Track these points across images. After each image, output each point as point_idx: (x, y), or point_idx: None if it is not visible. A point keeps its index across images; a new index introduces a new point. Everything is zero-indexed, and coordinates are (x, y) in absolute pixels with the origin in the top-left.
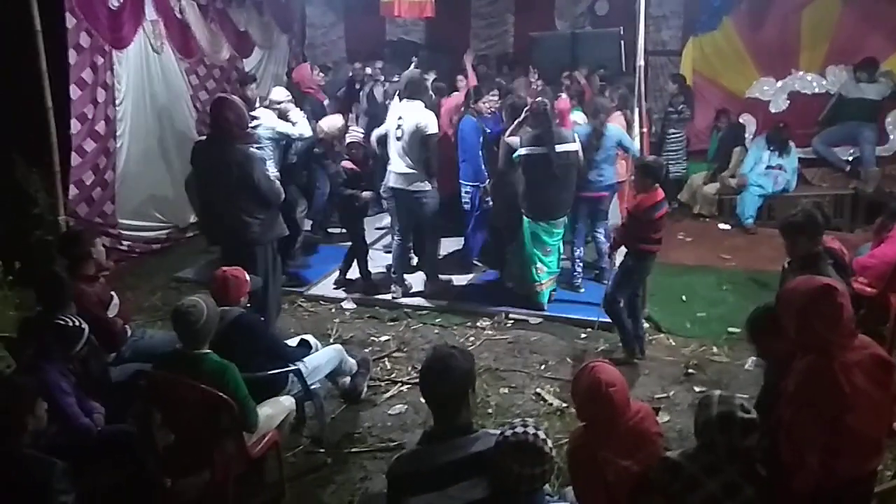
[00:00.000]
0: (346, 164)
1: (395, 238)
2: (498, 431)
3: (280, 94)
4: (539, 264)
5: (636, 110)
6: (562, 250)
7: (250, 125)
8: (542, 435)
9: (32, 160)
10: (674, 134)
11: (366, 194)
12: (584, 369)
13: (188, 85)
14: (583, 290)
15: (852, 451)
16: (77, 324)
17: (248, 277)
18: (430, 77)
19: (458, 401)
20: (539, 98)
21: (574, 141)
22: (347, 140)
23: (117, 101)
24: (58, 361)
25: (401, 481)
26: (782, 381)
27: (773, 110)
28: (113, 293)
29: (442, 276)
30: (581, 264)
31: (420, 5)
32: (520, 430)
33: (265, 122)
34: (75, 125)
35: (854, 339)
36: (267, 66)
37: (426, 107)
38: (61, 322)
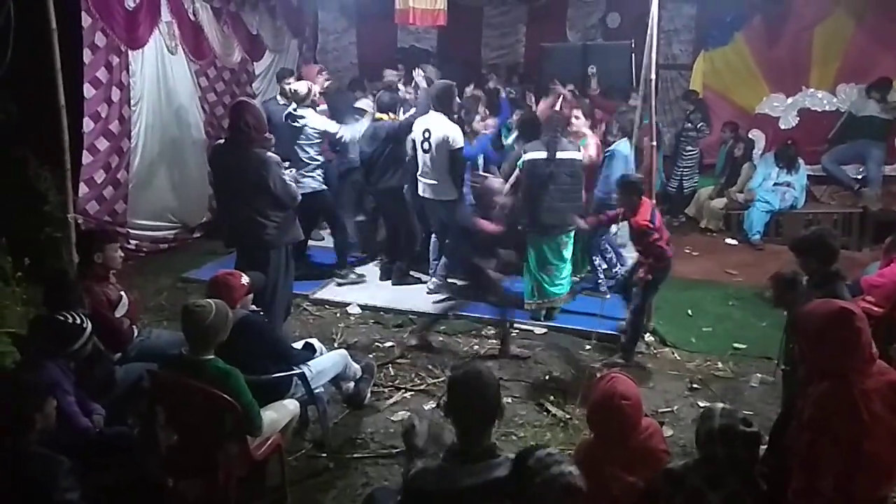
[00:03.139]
0: (486, 224)
1: (434, 237)
2: (516, 459)
3: (301, 86)
4: (537, 282)
5: (645, 124)
6: (568, 271)
7: (295, 124)
8: (577, 471)
9: (44, 158)
10: (690, 151)
11: (507, 254)
12: (601, 378)
13: (197, 86)
14: (609, 297)
15: (867, 477)
16: (78, 322)
17: (244, 281)
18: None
19: (488, 423)
20: (556, 110)
21: (578, 150)
22: (485, 186)
23: (133, 102)
24: (59, 359)
25: (419, 494)
26: (798, 403)
27: (782, 127)
28: (122, 293)
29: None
30: (602, 272)
31: (433, 14)
32: (565, 468)
33: (311, 121)
34: (88, 124)
35: (873, 364)
36: (277, 69)
37: (451, 119)
38: (61, 318)
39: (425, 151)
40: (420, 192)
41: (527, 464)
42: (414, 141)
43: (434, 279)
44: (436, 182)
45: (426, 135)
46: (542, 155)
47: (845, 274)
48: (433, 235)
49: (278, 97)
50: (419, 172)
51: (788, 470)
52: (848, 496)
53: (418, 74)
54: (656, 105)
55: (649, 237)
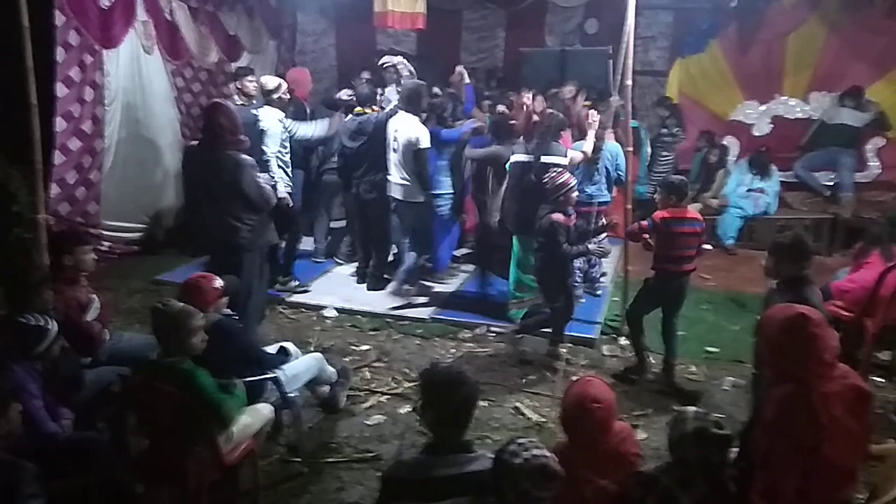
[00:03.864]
0: (558, 216)
1: (405, 243)
2: (491, 454)
3: (272, 81)
4: (520, 282)
5: (621, 129)
6: None
7: (259, 123)
8: (555, 457)
9: (15, 157)
10: (665, 156)
11: (595, 247)
12: (574, 382)
13: (173, 87)
14: (584, 301)
15: (827, 480)
16: (42, 323)
17: (217, 284)
18: None
19: (468, 417)
20: (553, 112)
21: (564, 156)
22: (556, 181)
23: (106, 101)
24: (25, 362)
25: (395, 484)
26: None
27: (756, 133)
28: (94, 296)
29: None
30: (580, 274)
31: (412, 17)
32: (537, 452)
33: (269, 122)
34: (60, 123)
35: (833, 369)
36: (254, 70)
37: (421, 120)
38: (23, 321)
39: (394, 151)
40: (390, 192)
41: (504, 454)
42: (386, 142)
43: (406, 285)
44: (404, 183)
45: (395, 135)
46: (528, 158)
47: (813, 279)
48: (407, 241)
49: (235, 97)
50: (389, 173)
51: (753, 471)
52: (810, 499)
53: (402, 65)
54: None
55: (660, 231)
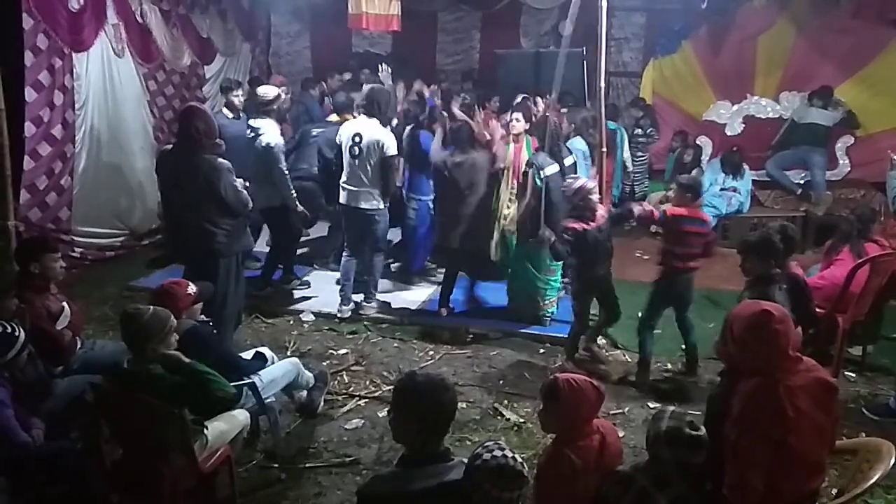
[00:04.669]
0: (572, 223)
1: (345, 255)
2: (467, 460)
3: (271, 91)
4: (542, 284)
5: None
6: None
7: (257, 134)
8: (519, 458)
9: None
10: (640, 157)
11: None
12: (555, 380)
13: (146, 90)
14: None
15: (795, 472)
16: (9, 331)
17: (190, 290)
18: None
19: (443, 430)
20: (544, 115)
21: (571, 153)
22: (573, 187)
23: (77, 106)
24: None
25: (371, 500)
26: (729, 400)
27: (728, 133)
28: (64, 304)
29: (380, 297)
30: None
31: (387, 19)
32: (497, 453)
33: (272, 135)
34: (30, 128)
35: (799, 363)
36: (228, 73)
37: (382, 124)
38: None
39: (354, 157)
40: (342, 199)
41: (471, 457)
42: (340, 146)
43: (367, 301)
44: (361, 189)
45: (356, 139)
46: (557, 168)
47: (780, 279)
48: (346, 251)
49: (224, 110)
50: (343, 179)
51: (721, 464)
52: (779, 490)
53: (384, 71)
54: (607, 112)
55: (668, 227)
